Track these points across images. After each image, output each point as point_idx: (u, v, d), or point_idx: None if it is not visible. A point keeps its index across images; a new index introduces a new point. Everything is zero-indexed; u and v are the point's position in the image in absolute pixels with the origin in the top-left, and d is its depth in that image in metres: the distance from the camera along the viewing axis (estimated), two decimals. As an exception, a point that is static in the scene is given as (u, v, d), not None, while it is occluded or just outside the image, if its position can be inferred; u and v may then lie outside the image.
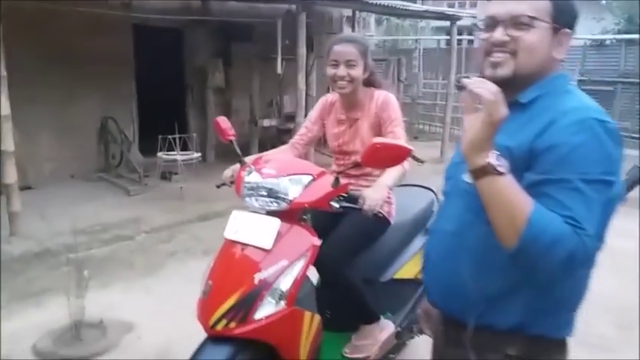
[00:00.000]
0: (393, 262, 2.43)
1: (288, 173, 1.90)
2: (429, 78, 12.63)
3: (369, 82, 2.30)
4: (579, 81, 10.45)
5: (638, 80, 10.21)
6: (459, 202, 1.25)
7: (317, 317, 1.91)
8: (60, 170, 6.63)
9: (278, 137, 8.04)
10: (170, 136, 6.13)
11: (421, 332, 2.66)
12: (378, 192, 1.94)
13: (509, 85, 1.14)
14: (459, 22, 8.32)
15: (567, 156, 1.05)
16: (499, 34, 1.14)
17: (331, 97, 2.44)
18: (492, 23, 1.16)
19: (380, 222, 2.25)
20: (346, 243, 2.17)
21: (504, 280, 1.17)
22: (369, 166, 1.91)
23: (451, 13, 8.46)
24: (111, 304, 3.38)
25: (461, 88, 1.04)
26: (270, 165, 1.96)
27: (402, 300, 2.50)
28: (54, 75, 6.40)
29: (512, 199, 1.03)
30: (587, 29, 12.02)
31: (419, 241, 2.53)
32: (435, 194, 2.75)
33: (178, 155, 6.17)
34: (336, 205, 1.90)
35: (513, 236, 1.02)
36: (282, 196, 1.86)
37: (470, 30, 12.81)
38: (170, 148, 6.21)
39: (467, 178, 1.10)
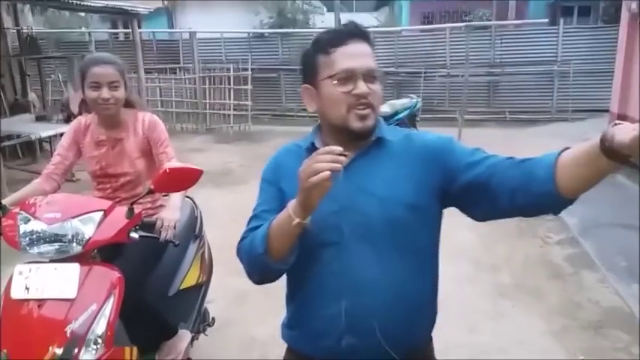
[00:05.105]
0: (176, 274, 2.51)
1: (76, 214, 1.80)
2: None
3: (128, 102, 2.29)
4: (244, 69, 11.68)
5: (297, 67, 12.06)
6: (363, 247, 1.25)
7: (135, 349, 1.91)
8: None
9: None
10: None
11: (208, 326, 2.85)
12: (173, 213, 2.02)
13: (370, 133, 1.27)
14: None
15: (451, 143, 1.30)
16: (364, 86, 1.22)
17: (84, 119, 2.32)
18: (350, 76, 1.22)
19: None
20: (137, 267, 2.16)
21: (426, 300, 1.34)
22: (163, 191, 1.96)
23: (129, 8, 8.29)
24: None
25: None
26: (52, 209, 1.81)
27: (190, 307, 2.61)
28: None
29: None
30: (248, 22, 13.46)
31: (192, 249, 2.67)
32: (193, 201, 2.88)
33: None
34: (135, 235, 1.89)
35: None
36: (77, 239, 1.76)
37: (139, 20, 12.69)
38: None
39: None
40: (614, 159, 0.94)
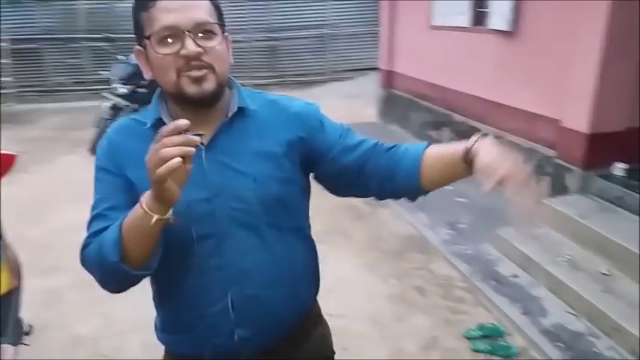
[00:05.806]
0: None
1: None
2: None
3: None
4: None
5: (63, 36, 10.74)
6: (244, 233, 1.12)
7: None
8: None
9: None
10: None
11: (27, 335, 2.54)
12: None
13: (214, 99, 1.08)
14: None
15: (320, 116, 1.23)
16: (192, 45, 1.00)
17: None
18: (175, 34, 1.01)
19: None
20: None
21: (310, 269, 1.31)
22: None
23: None
24: None
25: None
26: None
27: (6, 317, 2.28)
28: None
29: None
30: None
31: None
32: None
33: None
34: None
35: None
36: None
37: None
38: None
39: None
40: (472, 171, 1.02)
